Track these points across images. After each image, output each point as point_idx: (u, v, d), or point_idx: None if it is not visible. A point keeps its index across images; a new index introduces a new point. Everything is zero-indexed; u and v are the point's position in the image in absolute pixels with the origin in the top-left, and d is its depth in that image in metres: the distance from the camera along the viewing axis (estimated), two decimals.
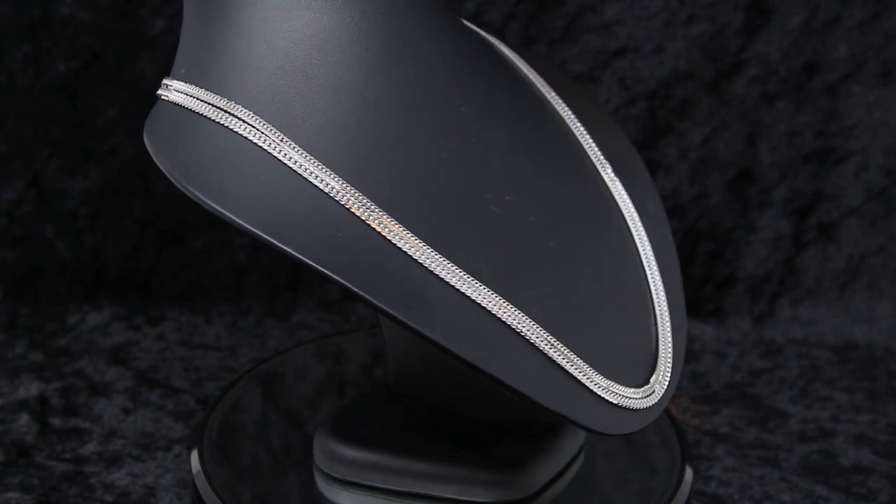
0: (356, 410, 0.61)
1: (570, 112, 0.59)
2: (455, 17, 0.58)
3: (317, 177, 0.50)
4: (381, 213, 0.50)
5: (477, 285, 0.50)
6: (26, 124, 0.84)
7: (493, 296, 0.50)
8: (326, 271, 0.49)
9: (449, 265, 0.50)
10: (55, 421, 0.72)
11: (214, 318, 0.85)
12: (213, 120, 0.51)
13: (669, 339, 0.55)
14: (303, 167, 0.50)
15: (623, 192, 0.57)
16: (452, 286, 0.50)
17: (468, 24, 0.62)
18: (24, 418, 0.72)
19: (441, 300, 0.49)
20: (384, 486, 0.57)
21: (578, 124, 0.58)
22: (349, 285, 0.49)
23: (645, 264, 0.56)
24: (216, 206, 0.50)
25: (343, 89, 0.52)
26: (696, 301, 0.86)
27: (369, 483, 0.57)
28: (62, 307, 0.85)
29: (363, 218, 0.50)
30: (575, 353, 0.51)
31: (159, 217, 0.85)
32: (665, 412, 0.65)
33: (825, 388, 0.79)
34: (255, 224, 0.49)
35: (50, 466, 0.67)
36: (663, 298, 0.55)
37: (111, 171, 0.85)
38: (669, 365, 0.54)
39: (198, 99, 0.52)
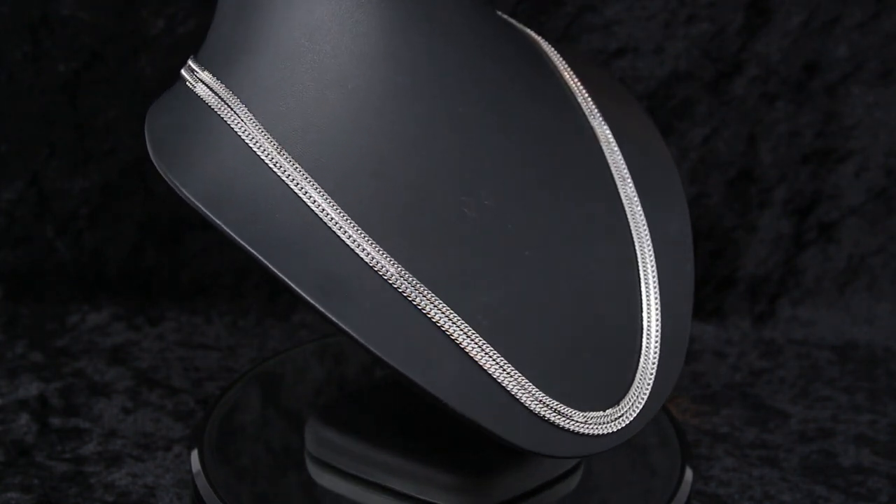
0: (354, 399, 0.61)
1: (602, 122, 0.57)
2: (490, 11, 0.57)
3: (272, 158, 0.51)
4: (326, 200, 0.50)
5: (415, 284, 0.49)
6: (26, 124, 0.84)
7: (431, 296, 0.49)
8: (249, 247, 0.49)
9: (388, 260, 0.49)
10: (55, 421, 0.72)
11: (214, 318, 0.85)
12: (199, 96, 0.53)
13: (652, 371, 0.52)
14: (262, 147, 0.51)
15: (639, 210, 0.55)
16: (386, 281, 0.49)
17: (508, 19, 0.61)
18: (24, 418, 0.72)
19: (367, 293, 0.48)
20: (351, 472, 0.57)
21: (609, 135, 0.57)
22: (268, 264, 0.48)
23: (643, 290, 0.54)
24: (166, 173, 0.51)
25: (324, 77, 0.52)
26: (696, 301, 0.86)
27: (339, 466, 0.58)
28: (62, 307, 0.85)
29: (307, 202, 0.50)
30: (514, 366, 0.49)
31: (159, 217, 0.86)
32: (665, 412, 0.65)
33: (825, 388, 0.79)
34: (198, 196, 0.50)
35: (50, 466, 0.67)
36: (655, 328, 0.53)
37: (111, 171, 0.85)
38: (645, 396, 0.52)
39: (195, 75, 0.54)
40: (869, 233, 0.87)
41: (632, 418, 0.51)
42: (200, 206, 0.50)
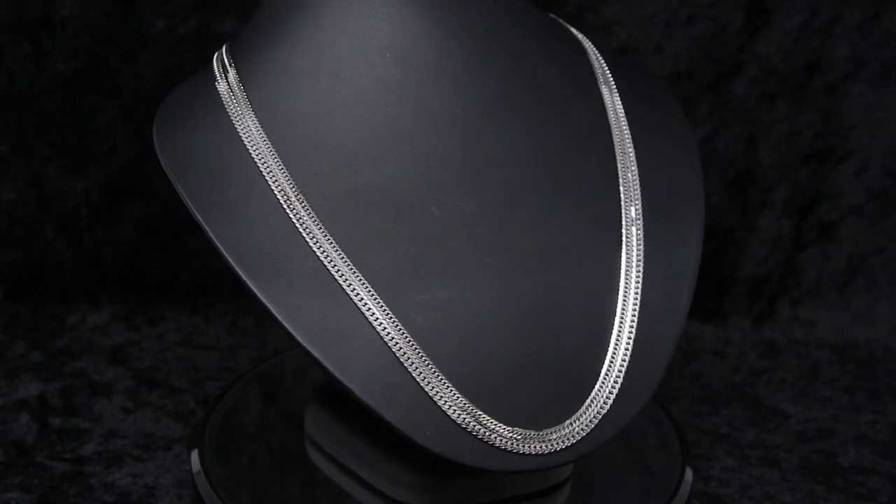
0: None
1: (629, 138, 0.55)
2: (531, 12, 0.56)
3: (250, 138, 0.52)
4: (288, 181, 0.50)
5: (354, 272, 0.48)
6: (26, 124, 0.84)
7: (366, 286, 0.48)
8: (196, 213, 0.50)
9: (332, 245, 0.49)
10: (55, 421, 0.72)
11: (214, 318, 0.85)
12: (213, 73, 0.55)
13: (605, 404, 0.49)
14: (245, 127, 0.52)
15: (637, 235, 0.52)
16: (324, 264, 0.49)
17: (559, 22, 0.59)
18: (24, 418, 0.72)
19: (299, 273, 0.48)
20: (329, 451, 0.58)
21: (631, 154, 0.54)
22: (207, 229, 0.49)
23: (617, 320, 0.51)
24: (154, 135, 0.53)
25: (320, 66, 0.52)
26: (696, 301, 0.86)
27: (322, 445, 0.59)
28: (62, 307, 0.85)
29: (269, 181, 0.50)
30: (439, 368, 0.48)
31: (159, 217, 0.86)
32: (665, 412, 0.65)
33: (825, 388, 0.79)
34: (169, 161, 0.52)
35: (50, 466, 0.67)
36: (620, 360, 0.50)
37: (111, 171, 0.85)
38: (588, 428, 0.49)
39: (220, 58, 0.56)
40: (869, 233, 0.87)
41: (566, 445, 0.49)
42: (167, 168, 0.51)
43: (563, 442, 0.49)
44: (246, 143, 0.52)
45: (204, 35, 0.82)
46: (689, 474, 0.59)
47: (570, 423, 0.49)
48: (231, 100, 0.53)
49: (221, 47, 0.57)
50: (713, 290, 0.87)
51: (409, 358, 0.48)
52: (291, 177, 0.50)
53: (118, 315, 0.85)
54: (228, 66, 0.54)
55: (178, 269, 0.87)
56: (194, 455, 0.60)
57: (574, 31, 0.60)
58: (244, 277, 0.48)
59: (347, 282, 0.49)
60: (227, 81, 0.54)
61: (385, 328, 0.48)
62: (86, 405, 0.74)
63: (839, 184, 0.86)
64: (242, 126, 0.52)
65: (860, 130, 0.86)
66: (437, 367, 0.48)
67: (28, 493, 0.64)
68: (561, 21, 0.60)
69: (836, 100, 0.85)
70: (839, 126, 0.85)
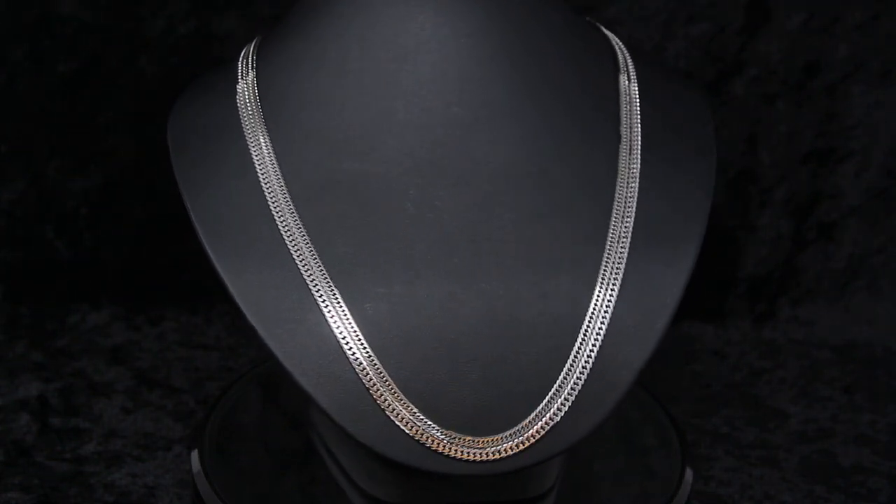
0: None
1: (637, 155, 0.53)
2: (564, 15, 0.56)
3: (250, 121, 0.53)
4: (273, 166, 0.51)
5: (315, 258, 0.49)
6: (26, 124, 0.83)
7: (324, 273, 0.49)
8: (182, 189, 0.51)
9: (300, 231, 0.49)
10: (55, 421, 0.72)
11: (214, 318, 0.85)
12: (237, 62, 0.56)
13: (549, 422, 0.48)
14: (248, 108, 0.53)
15: (621, 252, 0.50)
16: (288, 247, 0.49)
17: (597, 26, 0.58)
18: (24, 418, 0.72)
19: (262, 254, 0.49)
20: (324, 441, 0.58)
21: (636, 170, 0.52)
22: (189, 207, 0.51)
23: (580, 338, 0.49)
24: (170, 114, 0.55)
25: (325, 57, 0.53)
26: (696, 301, 0.86)
27: (316, 425, 0.59)
28: (62, 307, 0.85)
29: (256, 164, 0.51)
30: (380, 361, 0.48)
31: (159, 217, 0.86)
32: (665, 412, 0.65)
33: (825, 388, 0.79)
34: (172, 136, 0.53)
35: (50, 466, 0.67)
36: (574, 380, 0.48)
37: (111, 171, 0.85)
38: (526, 444, 0.48)
39: (247, 47, 0.57)
40: (869, 233, 0.87)
41: (502, 456, 0.48)
42: (171, 145, 0.53)
43: (499, 452, 0.48)
44: (244, 127, 0.52)
45: (204, 35, 0.82)
46: (689, 474, 0.59)
47: (511, 436, 0.48)
48: (243, 90, 0.54)
49: (253, 41, 0.58)
50: (713, 290, 0.87)
51: (351, 348, 0.48)
52: (277, 162, 0.51)
53: (118, 315, 0.85)
54: (251, 60, 0.55)
55: (178, 269, 0.87)
56: (194, 455, 0.60)
57: (610, 35, 0.58)
58: (207, 250, 0.50)
59: (306, 266, 0.49)
60: (246, 79, 0.54)
61: (333, 315, 0.48)
62: (86, 405, 0.74)
63: (839, 184, 0.86)
64: (244, 112, 0.53)
65: (860, 130, 0.85)
66: (378, 360, 0.48)
67: (28, 493, 0.65)
68: (595, 23, 0.59)
69: (836, 100, 0.85)
70: (839, 126, 0.85)
